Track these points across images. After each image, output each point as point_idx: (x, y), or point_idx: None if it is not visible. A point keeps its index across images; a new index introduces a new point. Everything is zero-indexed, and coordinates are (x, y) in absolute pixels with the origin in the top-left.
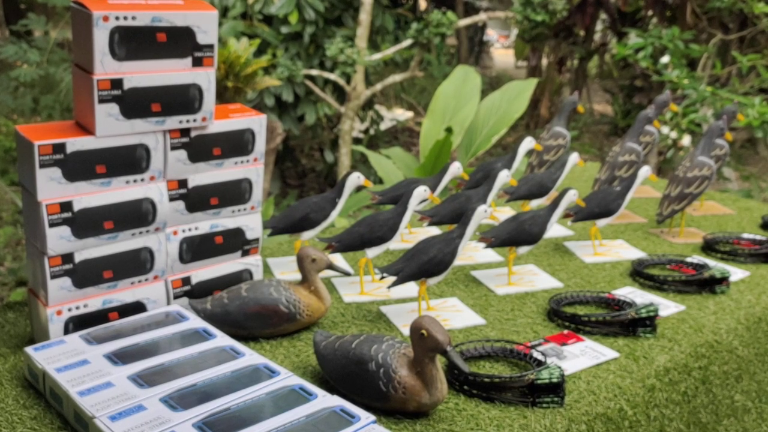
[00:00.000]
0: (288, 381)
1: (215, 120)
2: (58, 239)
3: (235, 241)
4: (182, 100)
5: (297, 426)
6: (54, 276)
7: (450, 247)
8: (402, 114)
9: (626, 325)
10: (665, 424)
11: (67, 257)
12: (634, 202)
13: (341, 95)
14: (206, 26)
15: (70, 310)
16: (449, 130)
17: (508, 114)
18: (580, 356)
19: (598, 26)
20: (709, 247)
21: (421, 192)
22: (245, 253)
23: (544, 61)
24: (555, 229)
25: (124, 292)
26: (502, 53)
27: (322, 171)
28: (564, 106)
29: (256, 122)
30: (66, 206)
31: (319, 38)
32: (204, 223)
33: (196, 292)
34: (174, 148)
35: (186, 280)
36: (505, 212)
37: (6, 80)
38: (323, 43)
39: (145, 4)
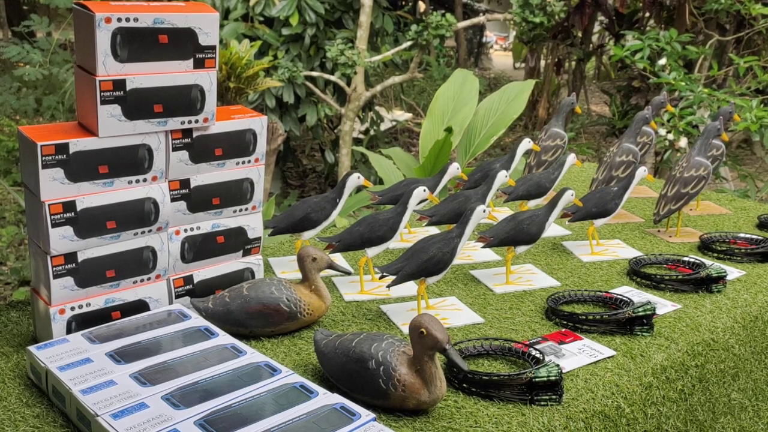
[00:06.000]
0: (289, 379)
1: (217, 121)
2: (61, 239)
3: (236, 241)
4: (184, 101)
5: (298, 423)
6: (57, 275)
7: (449, 247)
8: (401, 115)
9: (623, 323)
10: (662, 422)
11: (70, 257)
12: (631, 202)
13: (342, 96)
14: (208, 28)
15: (72, 309)
16: (449, 130)
17: (507, 115)
18: (578, 354)
19: (596, 28)
20: (705, 246)
21: (420, 192)
22: (246, 253)
23: (542, 63)
24: (553, 229)
25: (126, 291)
26: (500, 55)
27: (322, 171)
28: (561, 107)
29: (257, 123)
30: (69, 206)
31: (320, 40)
32: (206, 223)
33: (198, 291)
34: (176, 148)
35: (188, 279)
36: (504, 212)
37: (9, 81)
38: (324, 44)
39: (147, 5)
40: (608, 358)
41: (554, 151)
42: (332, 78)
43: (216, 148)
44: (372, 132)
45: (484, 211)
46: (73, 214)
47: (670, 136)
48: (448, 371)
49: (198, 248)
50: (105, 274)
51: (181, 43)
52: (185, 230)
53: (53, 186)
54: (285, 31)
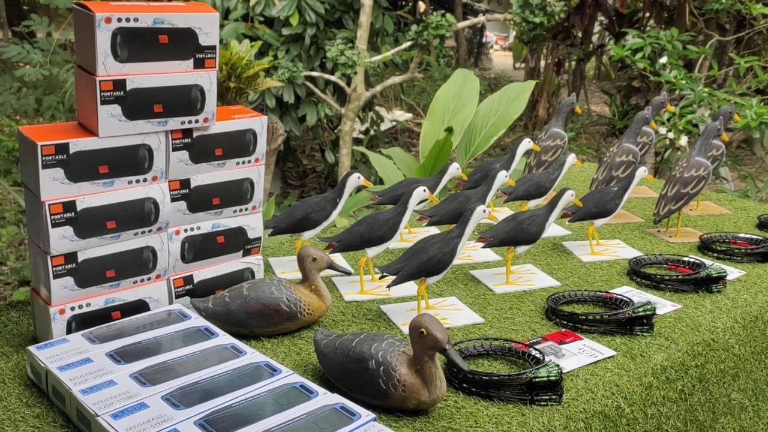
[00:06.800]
0: (289, 379)
1: (217, 121)
2: (61, 239)
3: (236, 241)
4: (184, 101)
5: (298, 423)
6: (57, 275)
7: (449, 247)
8: (401, 115)
9: (623, 323)
10: (662, 422)
11: (70, 257)
12: (631, 202)
13: (342, 96)
14: (208, 28)
15: (72, 309)
16: (449, 130)
17: (507, 115)
18: (578, 354)
19: (596, 28)
20: (705, 246)
21: (420, 192)
22: (247, 253)
23: (542, 63)
24: (553, 229)
25: (126, 292)
26: (500, 55)
27: (322, 171)
28: (561, 107)
29: (258, 123)
30: (69, 206)
31: (320, 40)
32: (206, 223)
33: (198, 291)
34: (176, 148)
35: (188, 279)
36: (504, 212)
37: (9, 81)
38: (324, 44)
39: (147, 5)
40: (608, 358)
41: (554, 151)
42: (332, 78)
43: (216, 148)
44: (372, 132)
45: (484, 211)
46: (73, 214)
47: (671, 135)
48: (448, 371)
49: (198, 248)
50: (105, 274)
51: (181, 43)
52: (185, 230)
53: (53, 186)
54: (285, 31)
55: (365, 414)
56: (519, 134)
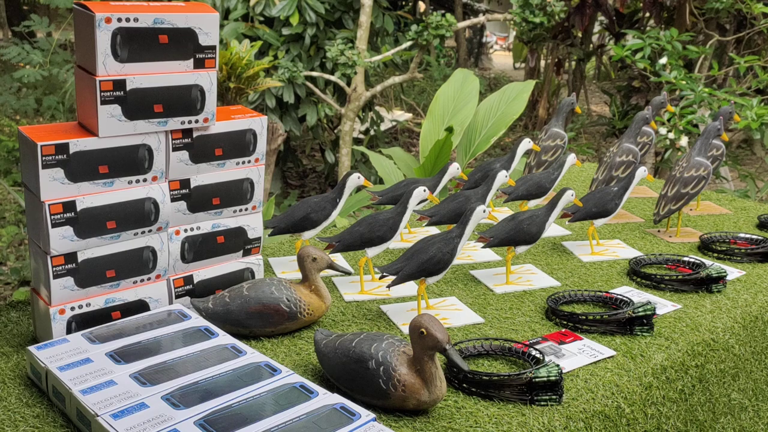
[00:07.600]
0: (289, 379)
1: (217, 121)
2: (61, 239)
3: (236, 241)
4: (184, 101)
5: (298, 423)
6: (57, 275)
7: (449, 247)
8: (401, 115)
9: (623, 323)
10: (662, 422)
11: (70, 257)
12: (631, 202)
13: (342, 96)
14: (208, 28)
15: (72, 309)
16: (450, 130)
17: (507, 115)
18: (578, 354)
19: (596, 28)
20: (705, 246)
21: (420, 192)
22: (247, 253)
23: (543, 63)
24: (553, 229)
25: (126, 292)
26: (500, 55)
27: (322, 171)
28: (561, 107)
29: (258, 123)
30: (69, 206)
31: (320, 40)
32: (206, 223)
33: (198, 291)
34: (176, 148)
35: (188, 279)
36: (504, 212)
37: (9, 81)
38: (324, 44)
39: (147, 5)
40: (608, 358)
41: (554, 151)
42: (332, 78)
43: (216, 148)
44: (372, 132)
45: (484, 211)
46: (73, 214)
47: (671, 135)
48: (448, 371)
49: (198, 248)
50: (105, 274)
51: (181, 43)
52: (185, 230)
53: (53, 186)
54: (285, 31)
55: (365, 414)
56: (519, 134)
